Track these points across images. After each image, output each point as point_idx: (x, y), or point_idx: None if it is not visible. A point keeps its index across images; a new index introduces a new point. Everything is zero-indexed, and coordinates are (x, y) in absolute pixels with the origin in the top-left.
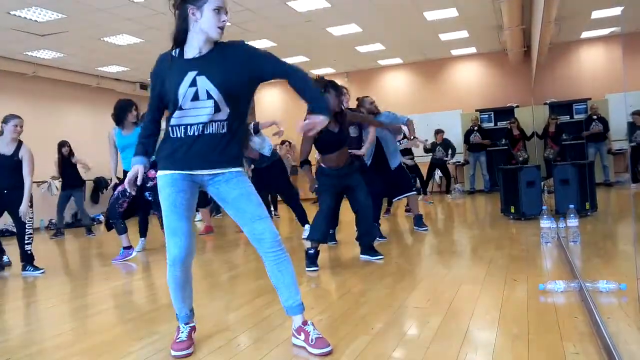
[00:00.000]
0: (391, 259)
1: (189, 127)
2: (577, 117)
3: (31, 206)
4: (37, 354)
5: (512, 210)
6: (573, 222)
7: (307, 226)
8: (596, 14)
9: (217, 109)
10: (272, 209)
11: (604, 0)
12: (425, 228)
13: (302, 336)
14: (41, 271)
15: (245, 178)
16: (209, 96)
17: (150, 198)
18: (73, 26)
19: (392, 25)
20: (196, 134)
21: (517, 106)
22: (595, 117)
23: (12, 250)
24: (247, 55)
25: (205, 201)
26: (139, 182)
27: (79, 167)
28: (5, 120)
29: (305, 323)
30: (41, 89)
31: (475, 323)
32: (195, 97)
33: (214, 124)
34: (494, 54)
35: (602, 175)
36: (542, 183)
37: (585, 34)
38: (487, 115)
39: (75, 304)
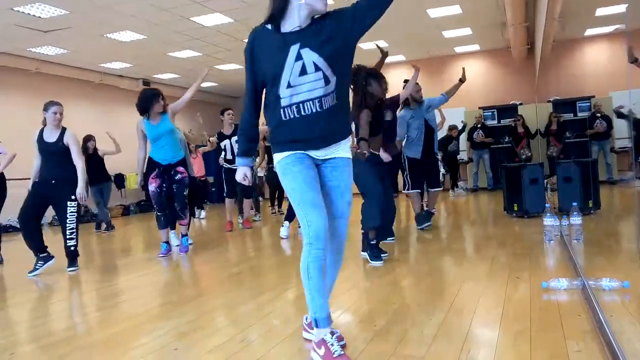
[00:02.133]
0: (394, 257)
1: (302, 105)
2: (580, 114)
3: (75, 199)
4: (43, 347)
5: (515, 208)
6: (576, 220)
7: (286, 223)
8: (600, 12)
9: (326, 80)
10: (276, 206)
11: None
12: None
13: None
14: (73, 269)
15: (350, 169)
16: (317, 68)
17: (175, 190)
18: (76, 22)
19: (395, 22)
20: (312, 111)
21: (521, 104)
22: (599, 114)
23: (10, 247)
24: (338, 17)
25: (250, 192)
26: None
27: (105, 160)
28: (46, 108)
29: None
30: (44, 85)
31: (478, 321)
32: (303, 72)
33: (326, 97)
34: (497, 51)
35: (605, 174)
36: (545, 181)
37: (589, 32)
38: (490, 113)
39: (81, 299)
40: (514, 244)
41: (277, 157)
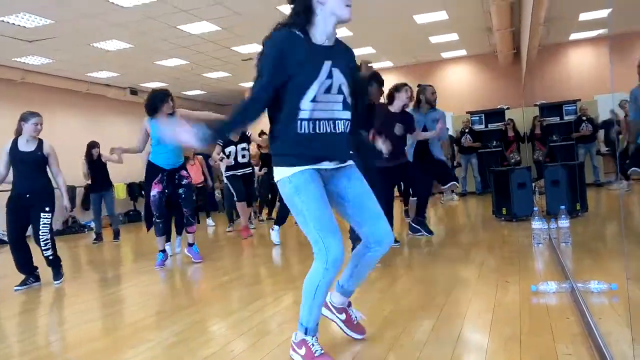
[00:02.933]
0: (383, 263)
1: (318, 122)
2: (567, 118)
3: (51, 210)
4: None
5: (504, 212)
6: (564, 223)
7: (276, 227)
8: (584, 16)
9: (345, 106)
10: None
11: (591, 2)
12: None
13: (344, 316)
14: (59, 281)
15: (361, 174)
16: (340, 91)
17: (183, 195)
18: (62, 32)
19: (382, 28)
20: (327, 131)
21: (508, 108)
22: (584, 118)
23: (2, 260)
24: (353, 61)
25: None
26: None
27: (108, 166)
28: (25, 119)
29: (349, 305)
30: (30, 95)
31: (468, 325)
32: (328, 90)
33: (341, 122)
34: (484, 56)
35: (592, 176)
36: (533, 184)
37: (573, 36)
38: (478, 117)
39: (68, 312)
40: (502, 248)
41: (286, 171)
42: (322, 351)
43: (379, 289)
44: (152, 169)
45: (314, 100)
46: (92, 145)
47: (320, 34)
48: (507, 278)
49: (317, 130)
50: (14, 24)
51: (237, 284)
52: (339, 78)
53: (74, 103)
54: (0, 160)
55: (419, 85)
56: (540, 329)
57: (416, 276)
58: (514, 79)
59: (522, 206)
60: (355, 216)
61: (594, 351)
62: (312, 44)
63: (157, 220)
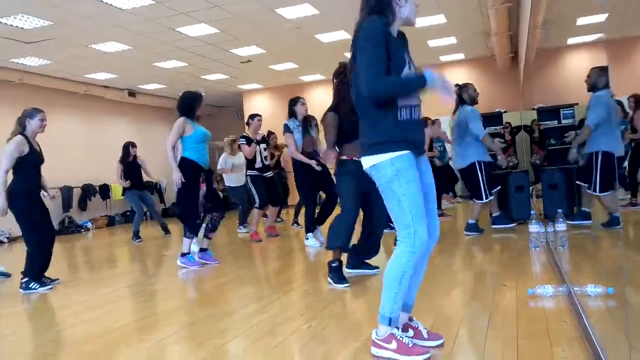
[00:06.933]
0: (380, 265)
1: (413, 109)
2: (564, 122)
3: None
4: None
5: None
6: (561, 226)
7: (310, 235)
8: (581, 21)
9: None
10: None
11: (589, 7)
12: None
13: (411, 332)
14: (49, 287)
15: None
16: None
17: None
18: (60, 33)
19: None
20: (416, 117)
21: (506, 111)
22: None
23: (7, 258)
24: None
25: (278, 201)
26: None
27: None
28: (31, 115)
29: (411, 319)
30: (28, 97)
31: (465, 329)
32: None
33: (419, 108)
34: (482, 59)
35: None
36: (531, 188)
37: (571, 40)
38: None
39: (67, 311)
40: (500, 251)
41: (387, 155)
42: (414, 341)
43: (375, 291)
44: (194, 168)
45: None
46: (130, 145)
47: (395, 29)
48: (504, 281)
49: (413, 116)
50: (11, 25)
51: (233, 286)
52: (412, 68)
53: (71, 104)
54: None
55: (456, 85)
56: (537, 332)
57: None
58: (512, 82)
59: (520, 210)
60: None
61: (590, 355)
62: (393, 34)
63: (199, 221)
